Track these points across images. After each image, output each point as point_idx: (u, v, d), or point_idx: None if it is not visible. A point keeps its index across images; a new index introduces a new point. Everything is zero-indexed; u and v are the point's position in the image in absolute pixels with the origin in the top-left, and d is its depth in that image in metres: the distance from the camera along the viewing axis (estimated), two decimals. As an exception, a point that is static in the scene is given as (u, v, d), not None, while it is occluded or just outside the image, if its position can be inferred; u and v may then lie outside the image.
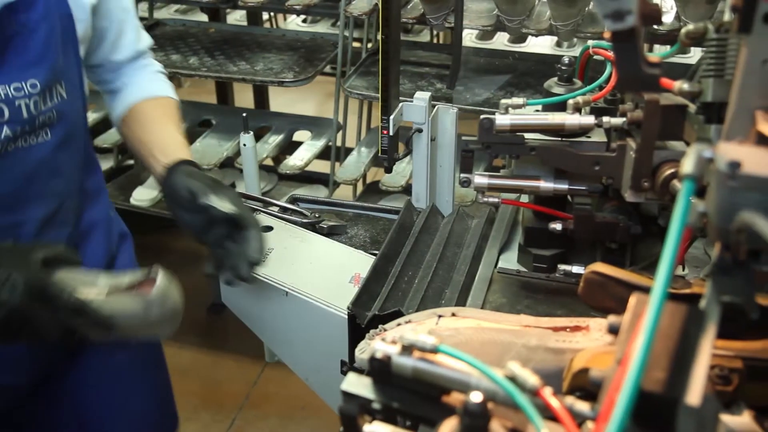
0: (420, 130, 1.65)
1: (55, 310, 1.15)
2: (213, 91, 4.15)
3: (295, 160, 3.13)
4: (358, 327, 1.30)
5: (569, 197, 1.37)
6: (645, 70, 0.95)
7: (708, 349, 0.65)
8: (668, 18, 2.57)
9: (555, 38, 3.22)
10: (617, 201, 1.28)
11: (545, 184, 1.27)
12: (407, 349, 0.78)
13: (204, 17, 3.90)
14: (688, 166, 0.66)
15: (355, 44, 3.31)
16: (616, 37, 0.87)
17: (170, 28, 3.49)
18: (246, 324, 1.60)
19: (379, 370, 0.79)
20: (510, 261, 1.45)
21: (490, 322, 1.03)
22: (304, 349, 1.51)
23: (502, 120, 1.21)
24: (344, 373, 1.40)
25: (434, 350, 0.76)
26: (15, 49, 1.30)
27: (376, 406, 0.80)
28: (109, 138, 3.26)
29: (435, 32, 3.89)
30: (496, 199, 1.33)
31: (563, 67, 1.31)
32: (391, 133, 1.63)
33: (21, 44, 1.30)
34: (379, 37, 1.58)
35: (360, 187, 3.38)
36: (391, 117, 1.62)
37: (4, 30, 1.28)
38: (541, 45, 3.26)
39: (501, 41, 3.34)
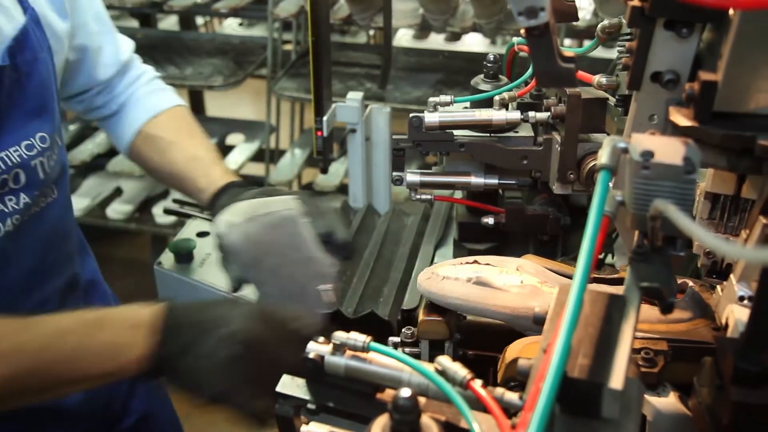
0: (354, 131, 1.67)
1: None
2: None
3: (229, 164, 3.11)
4: (300, 328, 1.30)
5: (500, 191, 1.41)
6: (560, 64, 0.99)
7: (629, 334, 0.67)
8: (586, 15, 2.65)
9: (495, 37, 3.28)
10: (547, 194, 1.32)
11: (476, 180, 1.30)
12: (339, 347, 0.78)
13: (135, 23, 3.85)
14: (603, 157, 0.70)
15: (288, 46, 3.32)
16: (531, 33, 0.90)
17: (95, 35, 3.42)
18: (187, 330, 1.59)
19: (313, 369, 0.79)
20: (446, 256, 1.47)
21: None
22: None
23: (431, 118, 1.23)
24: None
25: (366, 348, 0.77)
26: (13, 99, 1.09)
27: (310, 406, 0.80)
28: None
29: (371, 33, 3.92)
30: (429, 196, 1.35)
31: (489, 65, 1.33)
32: (325, 134, 1.64)
33: (18, 92, 1.10)
34: (309, 38, 1.59)
35: (295, 189, 3.38)
36: (325, 118, 1.62)
37: (2, 80, 1.08)
38: (476, 43, 3.32)
39: (437, 41, 3.39)
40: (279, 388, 0.82)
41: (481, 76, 1.34)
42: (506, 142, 1.26)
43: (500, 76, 1.34)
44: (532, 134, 1.27)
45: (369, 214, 1.66)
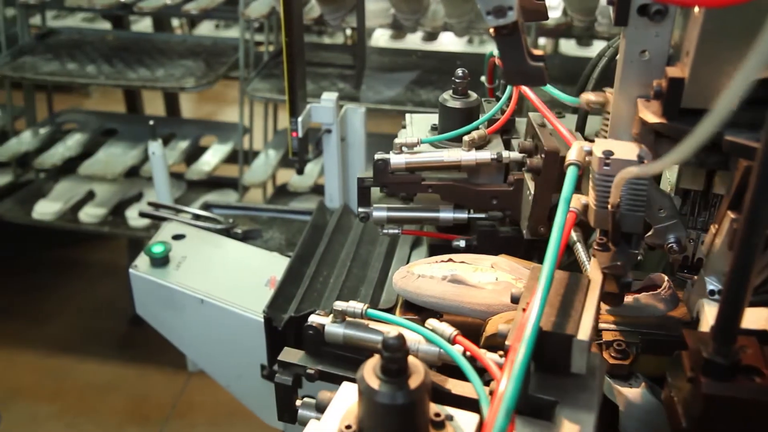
0: (329, 131, 1.67)
1: None
2: (122, 101, 4.06)
3: (203, 165, 3.10)
4: (275, 330, 1.30)
5: None
6: (530, 63, 0.99)
7: (594, 303, 0.77)
8: (557, 13, 2.67)
9: (468, 36, 3.29)
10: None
11: (445, 215, 1.26)
12: (339, 315, 0.85)
13: (107, 25, 3.82)
14: (572, 154, 0.81)
15: (261, 47, 3.31)
16: (499, 32, 0.91)
17: (65, 37, 3.39)
18: (163, 335, 1.59)
19: (314, 338, 0.86)
20: (422, 256, 1.45)
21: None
22: (223, 356, 1.51)
23: (396, 159, 1.20)
24: (265, 377, 1.41)
25: (363, 315, 0.84)
26: None
27: (310, 371, 0.86)
28: (6, 151, 3.16)
29: (348, 33, 3.92)
30: (397, 231, 1.31)
31: (457, 80, 1.28)
32: (300, 135, 1.63)
33: None
34: (281, 39, 1.58)
35: (270, 190, 3.38)
36: (300, 119, 1.62)
37: None
38: (452, 43, 3.33)
39: (414, 41, 3.39)
40: (281, 357, 0.89)
41: (450, 92, 1.30)
42: (475, 181, 1.22)
43: (469, 92, 1.30)
44: (502, 171, 1.23)
45: (345, 214, 1.66)
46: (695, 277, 0.97)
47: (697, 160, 0.90)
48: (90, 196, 3.18)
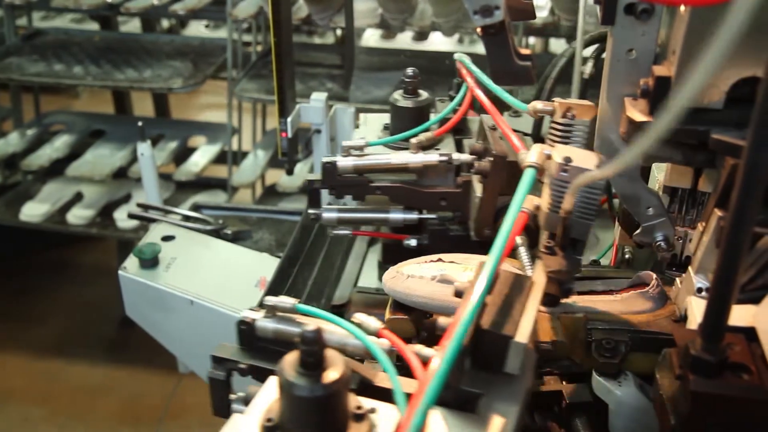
0: (319, 131, 1.67)
1: None
2: (111, 102, 4.04)
3: (191, 166, 3.09)
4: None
5: None
6: (517, 63, 1.00)
7: (535, 306, 0.77)
8: (543, 12, 2.68)
9: (457, 35, 3.29)
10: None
11: (394, 216, 1.25)
12: (270, 310, 0.85)
13: (95, 26, 3.80)
14: (531, 156, 0.81)
15: (250, 48, 3.31)
16: (486, 31, 0.91)
17: (52, 37, 3.38)
18: (154, 337, 1.59)
19: (246, 334, 0.87)
20: (371, 277, 1.44)
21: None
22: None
23: (344, 162, 1.20)
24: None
25: (293, 310, 0.84)
26: None
27: (242, 366, 0.87)
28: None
29: (339, 33, 3.92)
30: (348, 232, 1.30)
31: (407, 80, 1.28)
32: (289, 136, 1.63)
33: None
34: (270, 39, 1.58)
35: (259, 190, 3.37)
36: (289, 119, 1.62)
37: None
38: (442, 43, 3.33)
39: (404, 40, 3.39)
40: (214, 352, 0.89)
41: (401, 91, 1.30)
42: (424, 184, 1.22)
43: (419, 90, 1.30)
44: (452, 174, 1.23)
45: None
46: (683, 274, 0.97)
47: (684, 158, 0.90)
48: (78, 197, 3.17)
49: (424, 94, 1.30)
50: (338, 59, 3.05)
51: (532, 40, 3.53)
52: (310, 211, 1.26)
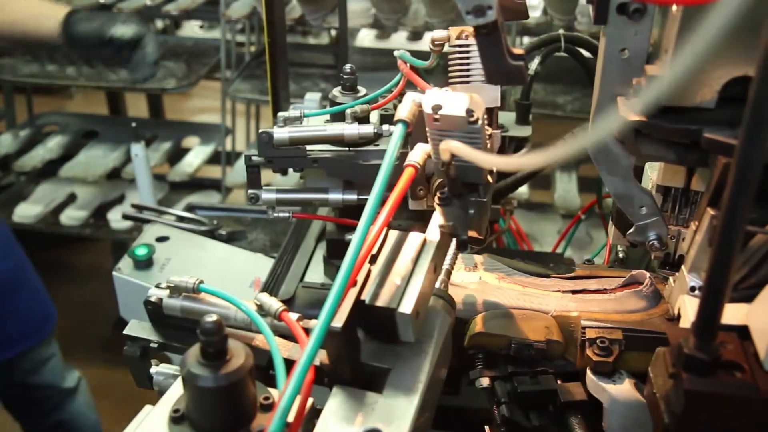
0: (311, 132, 1.66)
1: None
2: (105, 102, 4.03)
3: (185, 167, 3.09)
4: (259, 331, 1.30)
5: None
6: (510, 63, 1.00)
7: (425, 267, 0.76)
8: (536, 12, 2.69)
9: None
10: (409, 210, 1.25)
11: (334, 196, 1.23)
12: (174, 290, 0.87)
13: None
14: (400, 110, 0.79)
15: (243, 48, 3.30)
16: (479, 31, 0.91)
17: (44, 39, 3.36)
18: (147, 337, 1.58)
19: (153, 312, 0.89)
20: (317, 272, 1.41)
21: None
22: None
23: (280, 133, 1.17)
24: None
25: (196, 290, 0.86)
26: None
27: (153, 345, 0.90)
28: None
29: (333, 33, 3.91)
30: (287, 214, 1.27)
31: (345, 76, 1.27)
32: (283, 136, 1.62)
33: None
34: (263, 40, 1.58)
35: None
36: (283, 120, 1.61)
37: None
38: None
39: (399, 40, 3.39)
40: (126, 331, 0.92)
41: (339, 88, 1.28)
42: (362, 157, 1.20)
43: (359, 87, 1.29)
44: None
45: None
46: (677, 273, 0.98)
47: (677, 157, 0.90)
48: (71, 198, 3.16)
49: (362, 90, 1.29)
50: (331, 59, 3.05)
51: (526, 39, 3.53)
52: (250, 191, 1.24)
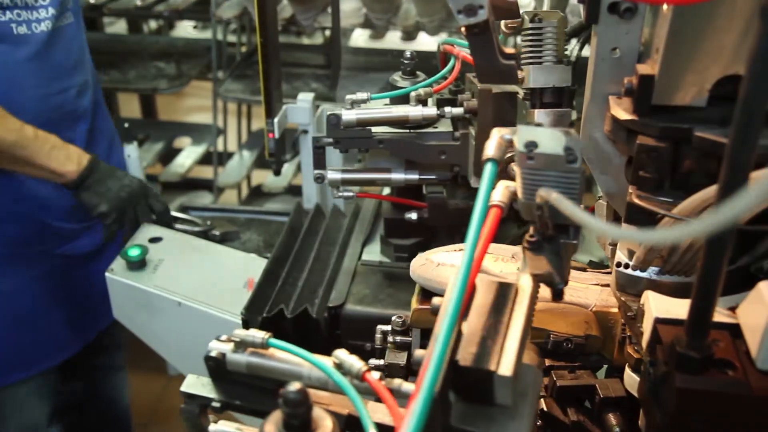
0: (306, 131, 1.67)
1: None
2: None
3: (176, 167, 3.08)
4: (254, 332, 1.30)
5: (424, 187, 1.40)
6: (501, 61, 1.00)
7: (521, 322, 0.69)
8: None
9: (446, 35, 3.29)
10: (468, 187, 1.32)
11: (396, 176, 1.30)
12: (240, 345, 0.79)
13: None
14: (489, 149, 0.72)
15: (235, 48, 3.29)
16: (471, 31, 0.91)
17: (34, 40, 3.35)
18: (141, 339, 1.58)
19: (215, 367, 0.81)
20: (373, 252, 1.47)
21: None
22: (202, 358, 1.50)
23: (348, 115, 1.24)
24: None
25: (265, 345, 0.78)
26: None
27: (215, 404, 0.81)
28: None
29: (327, 34, 3.90)
30: (352, 194, 1.33)
31: (405, 62, 1.34)
32: (277, 136, 1.63)
33: None
34: (254, 39, 1.58)
35: (245, 191, 3.36)
36: (276, 120, 1.62)
37: None
38: (432, 42, 3.31)
39: (393, 40, 3.39)
40: (184, 388, 0.82)
41: (399, 73, 1.35)
42: (424, 138, 1.26)
43: (418, 72, 1.35)
44: (450, 129, 1.27)
45: (317, 214, 1.66)
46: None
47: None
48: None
49: (421, 75, 1.35)
50: (323, 59, 3.04)
51: (519, 39, 3.54)
52: (315, 171, 1.29)
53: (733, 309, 0.76)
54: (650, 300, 0.81)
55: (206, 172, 3.28)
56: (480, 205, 0.68)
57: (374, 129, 1.25)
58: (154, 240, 1.60)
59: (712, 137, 0.80)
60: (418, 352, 0.67)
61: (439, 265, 1.05)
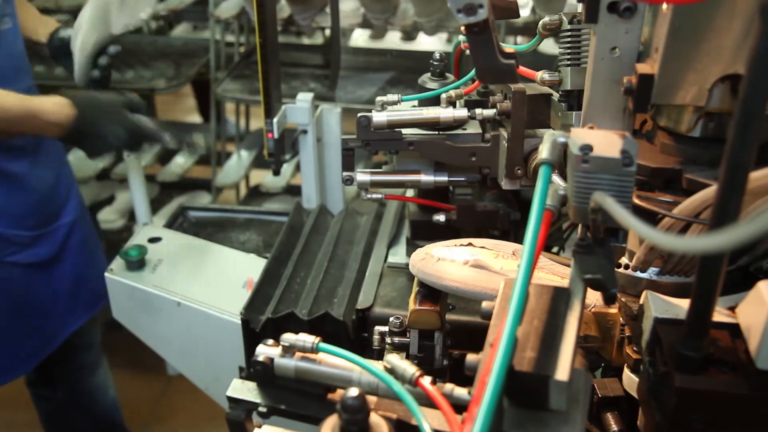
0: (305, 132, 1.66)
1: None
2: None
3: (175, 167, 3.08)
4: (253, 332, 1.30)
5: (451, 189, 1.41)
6: (501, 61, 1.00)
7: (575, 326, 0.69)
8: (525, 12, 2.69)
9: (446, 35, 3.29)
10: (496, 189, 1.32)
11: (425, 178, 1.29)
12: (288, 350, 0.78)
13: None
14: (544, 152, 0.72)
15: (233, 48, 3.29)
16: (470, 30, 0.91)
17: (32, 40, 3.34)
18: (141, 339, 1.58)
19: (263, 373, 0.80)
20: (399, 254, 1.48)
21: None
22: (201, 358, 1.51)
23: (378, 117, 1.23)
24: (243, 379, 1.40)
25: (315, 350, 0.77)
26: None
27: (262, 409, 0.81)
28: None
29: (327, 34, 3.90)
30: (380, 196, 1.33)
31: (435, 63, 1.33)
32: (276, 136, 1.63)
33: None
34: (252, 39, 1.58)
35: (243, 191, 3.36)
36: (275, 120, 1.62)
37: None
38: (431, 42, 3.32)
39: (393, 40, 3.38)
40: (230, 393, 0.83)
41: (428, 74, 1.34)
42: (454, 140, 1.25)
43: (447, 74, 1.35)
44: (480, 131, 1.27)
45: (322, 214, 1.66)
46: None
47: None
48: (62, 199, 3.14)
49: (450, 77, 1.35)
50: (321, 59, 3.04)
51: (520, 39, 3.53)
52: (344, 173, 1.29)
53: (732, 309, 0.76)
54: (650, 300, 0.81)
55: (205, 173, 3.28)
56: (536, 209, 0.68)
57: (404, 131, 1.25)
58: (154, 240, 1.60)
59: (702, 180, 0.81)
60: (472, 357, 0.67)
61: (440, 260, 1.05)
